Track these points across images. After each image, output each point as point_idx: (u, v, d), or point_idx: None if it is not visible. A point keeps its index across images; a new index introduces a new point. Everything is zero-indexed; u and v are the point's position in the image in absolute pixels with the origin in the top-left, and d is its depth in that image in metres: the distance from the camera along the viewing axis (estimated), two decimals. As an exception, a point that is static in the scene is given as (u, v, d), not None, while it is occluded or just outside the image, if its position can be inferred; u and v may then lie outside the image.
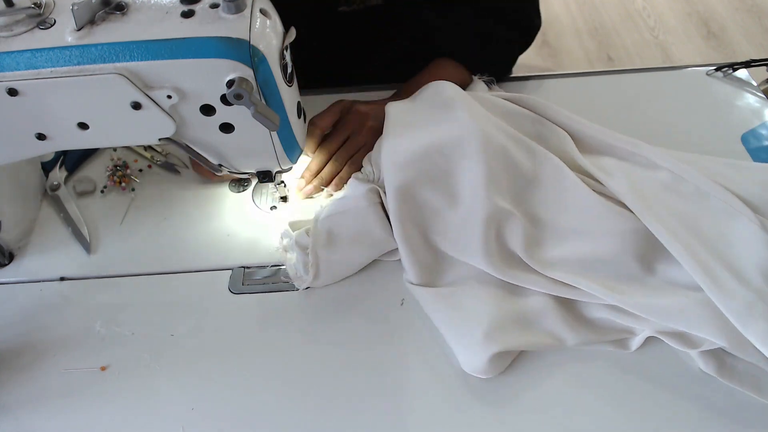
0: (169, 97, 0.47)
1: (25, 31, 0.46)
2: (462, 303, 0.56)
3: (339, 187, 0.65)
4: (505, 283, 0.58)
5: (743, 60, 0.77)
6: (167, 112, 0.48)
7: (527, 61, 0.82)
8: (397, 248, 0.59)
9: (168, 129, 0.50)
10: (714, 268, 0.53)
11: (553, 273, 0.56)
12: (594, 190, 0.60)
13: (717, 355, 0.52)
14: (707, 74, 0.79)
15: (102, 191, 0.69)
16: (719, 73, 0.78)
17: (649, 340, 0.54)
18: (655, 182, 0.61)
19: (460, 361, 0.53)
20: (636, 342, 0.54)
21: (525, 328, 0.55)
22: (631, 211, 0.58)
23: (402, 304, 0.58)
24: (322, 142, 0.66)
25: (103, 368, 0.54)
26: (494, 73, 0.75)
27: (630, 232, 0.57)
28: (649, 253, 0.57)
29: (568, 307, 0.57)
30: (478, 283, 0.58)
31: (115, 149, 0.72)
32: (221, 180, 0.68)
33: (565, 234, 0.59)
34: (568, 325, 0.55)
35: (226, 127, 0.51)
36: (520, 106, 0.68)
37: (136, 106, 0.47)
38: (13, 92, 0.46)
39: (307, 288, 0.59)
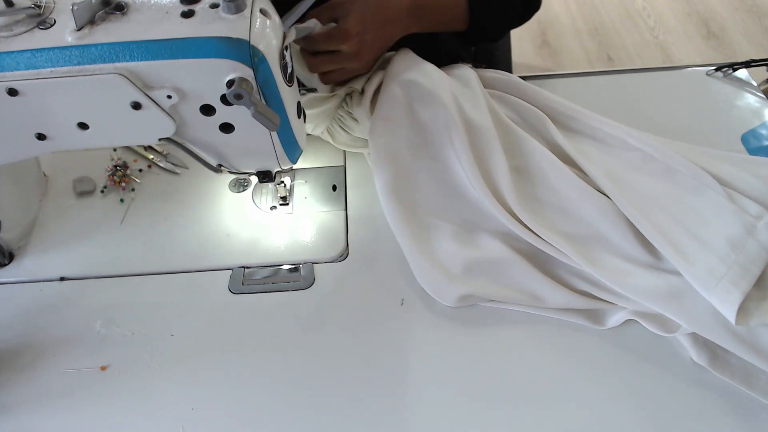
0: (169, 97, 0.47)
1: (25, 31, 0.46)
2: (435, 242, 0.60)
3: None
4: (483, 234, 0.61)
5: (743, 60, 0.77)
6: (167, 112, 0.48)
7: (527, 61, 0.83)
8: None
9: (168, 129, 0.50)
10: (679, 240, 0.54)
11: (540, 231, 0.58)
12: (574, 172, 0.62)
13: (709, 347, 0.53)
14: (707, 74, 0.79)
15: (102, 191, 0.69)
16: (719, 73, 0.78)
17: (639, 327, 0.55)
18: (626, 163, 0.63)
19: (428, 291, 0.58)
20: (613, 320, 0.56)
21: (496, 278, 0.58)
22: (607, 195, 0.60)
23: (402, 304, 0.58)
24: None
25: (103, 368, 0.54)
26: (490, 36, 0.75)
27: (610, 214, 0.58)
28: (629, 234, 0.58)
29: (548, 269, 0.59)
30: (456, 227, 0.62)
31: (115, 149, 0.72)
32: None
33: (551, 208, 0.61)
34: (547, 285, 0.56)
35: (226, 127, 0.51)
36: (497, 89, 0.70)
37: (136, 106, 0.47)
38: (13, 92, 0.46)
39: (308, 288, 0.59)
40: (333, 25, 0.61)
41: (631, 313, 0.55)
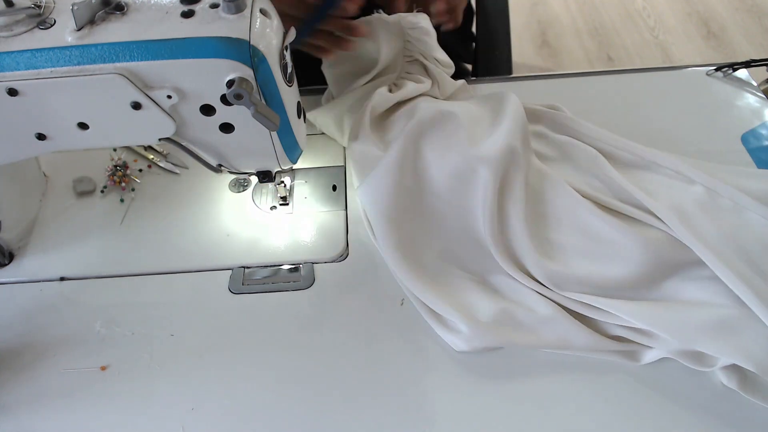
0: (169, 97, 0.47)
1: (25, 31, 0.46)
2: (454, 288, 0.57)
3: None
4: (503, 280, 0.58)
5: (743, 60, 0.77)
6: (167, 112, 0.48)
7: (527, 61, 0.83)
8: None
9: (168, 129, 0.50)
10: (754, 280, 0.52)
11: (566, 291, 0.55)
12: (606, 210, 0.59)
13: (739, 369, 0.51)
14: (707, 74, 0.79)
15: (102, 191, 0.69)
16: (719, 73, 0.78)
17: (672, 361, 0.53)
18: (692, 198, 0.59)
19: (446, 340, 0.55)
20: (649, 357, 0.53)
21: (522, 325, 0.55)
22: (662, 228, 0.57)
23: (402, 304, 0.58)
24: None
25: (103, 368, 0.54)
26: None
27: (646, 250, 0.56)
28: (667, 273, 0.56)
29: (577, 316, 0.55)
30: (473, 275, 0.59)
31: (115, 149, 0.72)
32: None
33: (576, 255, 0.58)
34: (576, 330, 0.54)
35: (226, 127, 0.51)
36: (545, 126, 0.66)
37: (136, 106, 0.47)
38: (13, 92, 0.46)
39: (308, 288, 0.59)
40: None
41: (666, 351, 0.53)
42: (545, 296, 0.56)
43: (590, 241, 0.58)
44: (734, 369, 0.51)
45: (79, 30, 0.45)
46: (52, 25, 0.46)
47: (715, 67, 0.78)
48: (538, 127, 0.67)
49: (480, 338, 0.53)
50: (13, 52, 0.45)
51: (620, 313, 0.53)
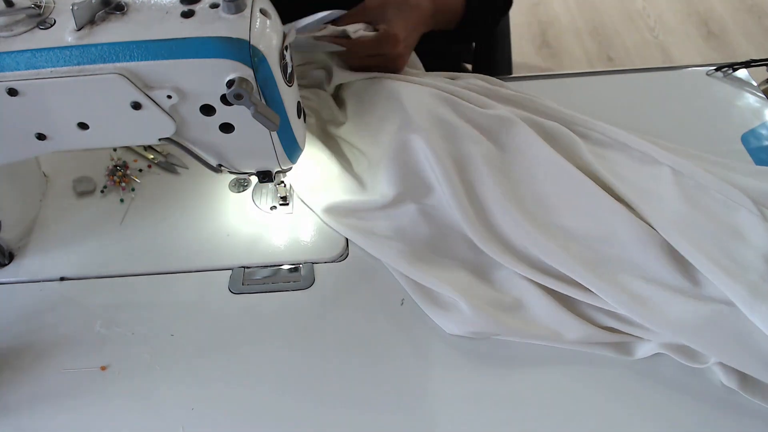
0: (169, 97, 0.47)
1: (25, 31, 0.46)
2: (447, 274, 0.58)
3: None
4: (495, 268, 0.59)
5: (743, 60, 0.77)
6: (167, 112, 0.48)
7: (527, 61, 0.83)
8: None
9: (168, 129, 0.50)
10: (719, 258, 0.53)
11: (556, 260, 0.56)
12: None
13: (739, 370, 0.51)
14: (707, 74, 0.79)
15: (102, 191, 0.69)
16: (719, 73, 0.78)
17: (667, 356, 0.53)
18: (657, 180, 0.61)
19: (439, 324, 0.56)
20: (641, 351, 0.53)
21: (514, 314, 0.55)
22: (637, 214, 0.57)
23: (402, 304, 0.58)
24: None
25: (103, 368, 0.54)
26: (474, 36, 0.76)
27: (639, 232, 0.56)
28: (661, 255, 0.56)
29: (570, 302, 0.56)
30: (464, 263, 0.60)
31: (115, 149, 0.72)
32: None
33: (568, 233, 0.59)
34: (567, 321, 0.54)
35: (226, 127, 0.51)
36: (524, 110, 0.67)
37: (136, 106, 0.47)
38: (13, 92, 0.46)
39: (308, 288, 0.59)
40: (364, 28, 0.64)
41: (659, 345, 0.53)
42: (537, 282, 0.57)
43: (592, 223, 0.58)
44: (734, 369, 0.51)
45: (79, 30, 0.45)
46: (52, 25, 0.46)
47: (715, 67, 0.79)
48: (509, 108, 0.67)
49: (477, 321, 0.54)
50: (13, 52, 0.45)
51: (608, 298, 0.53)
